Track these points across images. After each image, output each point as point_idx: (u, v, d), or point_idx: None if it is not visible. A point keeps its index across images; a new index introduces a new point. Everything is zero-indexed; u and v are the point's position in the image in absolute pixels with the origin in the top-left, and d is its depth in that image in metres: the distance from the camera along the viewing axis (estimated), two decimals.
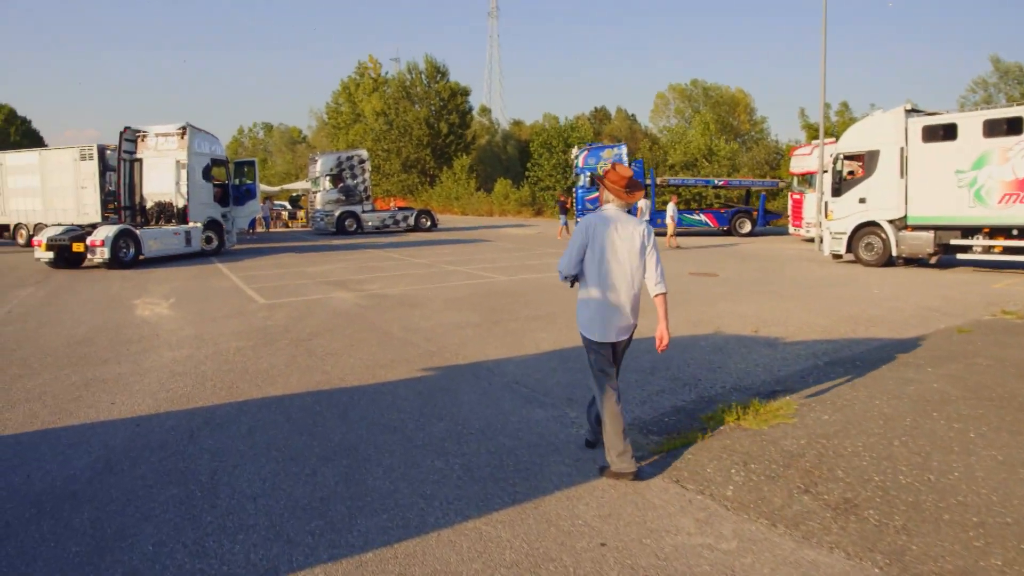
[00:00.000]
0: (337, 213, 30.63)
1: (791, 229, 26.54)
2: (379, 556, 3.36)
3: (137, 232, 17.91)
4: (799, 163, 26.03)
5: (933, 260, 15.82)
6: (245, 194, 23.27)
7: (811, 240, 22.88)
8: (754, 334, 8.57)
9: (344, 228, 30.51)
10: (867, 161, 16.30)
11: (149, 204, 20.51)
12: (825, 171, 18.32)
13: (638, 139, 60.31)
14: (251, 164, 23.95)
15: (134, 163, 20.46)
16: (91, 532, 3.60)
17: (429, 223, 33.13)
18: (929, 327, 8.98)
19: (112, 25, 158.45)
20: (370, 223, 31.40)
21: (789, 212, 27.03)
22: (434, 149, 59.28)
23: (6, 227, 25.86)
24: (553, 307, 10.45)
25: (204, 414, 5.55)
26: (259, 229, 32.68)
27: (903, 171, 15.54)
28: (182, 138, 20.08)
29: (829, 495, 3.97)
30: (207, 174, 21.15)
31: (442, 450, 4.73)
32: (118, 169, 20.36)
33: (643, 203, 21.56)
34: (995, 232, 14.46)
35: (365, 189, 32.12)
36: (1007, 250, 14.35)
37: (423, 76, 61.28)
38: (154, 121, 20.86)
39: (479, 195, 53.57)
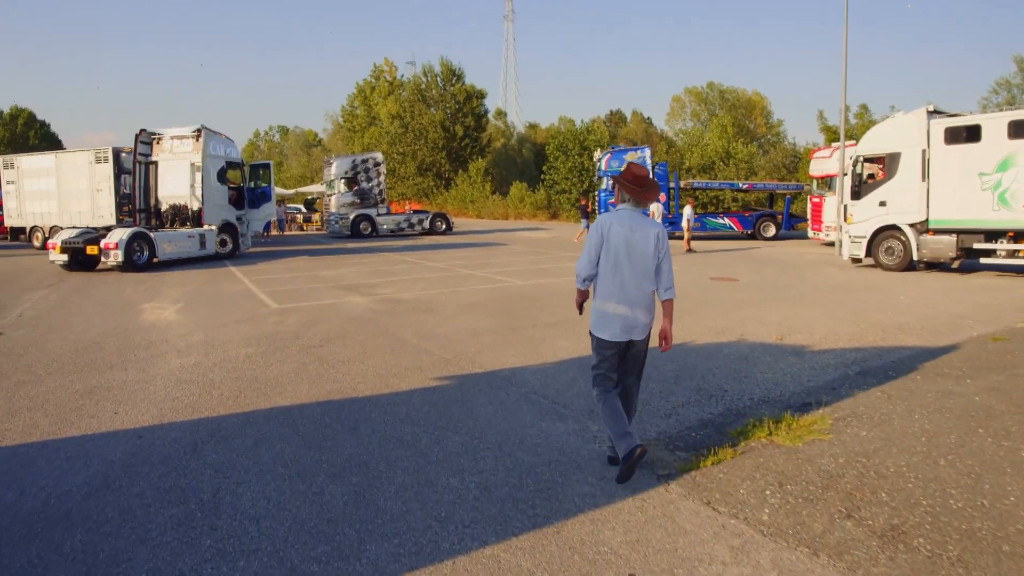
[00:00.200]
0: (352, 216, 30.50)
1: (810, 233, 26.08)
2: None
3: (151, 235, 17.80)
4: (819, 166, 25.57)
5: (955, 264, 15.42)
6: (260, 197, 23.15)
7: (831, 244, 22.43)
8: (779, 342, 8.26)
9: (359, 231, 30.38)
10: (888, 164, 15.93)
11: (164, 207, 20.44)
12: (845, 174, 17.93)
13: (654, 142, 59.77)
14: (266, 167, 23.82)
15: (149, 166, 20.41)
16: (82, 557, 3.37)
17: (444, 226, 32.94)
18: (961, 335, 8.63)
19: (130, 29, 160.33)
20: (385, 226, 31.26)
21: (808, 216, 26.59)
22: (449, 152, 59.08)
23: (23, 230, 25.97)
24: (571, 313, 10.11)
25: (209, 425, 5.33)
26: (273, 232, 32.63)
27: (925, 174, 15.15)
28: (197, 141, 19.99)
29: (874, 521, 3.67)
30: (222, 177, 21.02)
31: (458, 467, 4.47)
32: (133, 172, 20.32)
33: (654, 207, 21.21)
34: (1020, 236, 14.05)
35: (380, 192, 31.97)
36: None
37: (438, 79, 61.12)
38: (171, 124, 20.77)
39: (494, 198, 53.35)
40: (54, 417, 5.58)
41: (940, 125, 14.96)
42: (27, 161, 25.56)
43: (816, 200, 25.24)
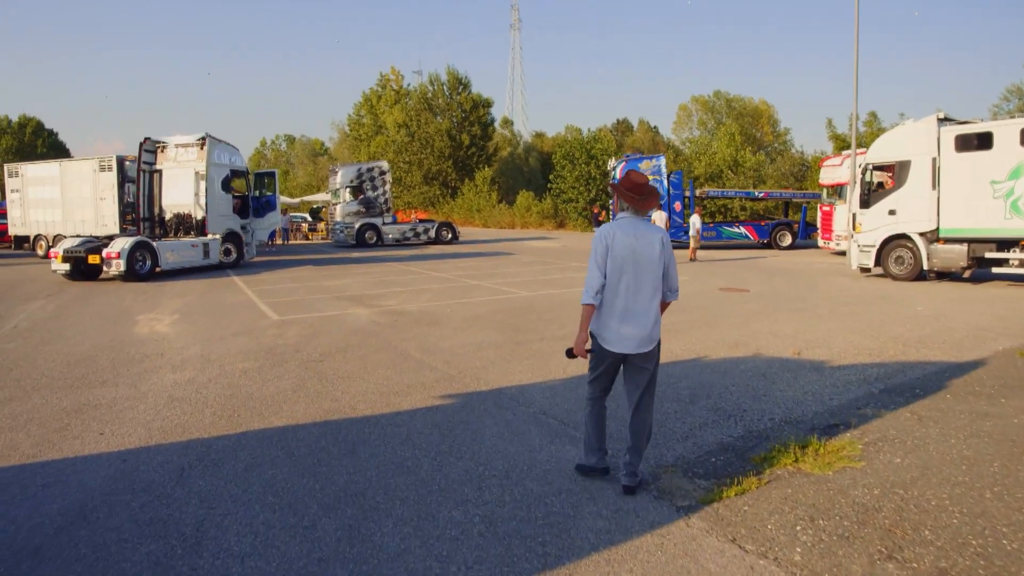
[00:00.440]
0: (357, 225, 30.26)
1: (820, 242, 25.72)
2: None
3: (154, 244, 17.57)
4: (828, 175, 25.26)
5: (966, 274, 15.07)
6: (265, 206, 22.92)
7: (842, 253, 22.07)
8: (797, 356, 7.93)
9: (364, 240, 30.13)
10: (897, 172, 15.59)
11: (168, 216, 20.24)
12: (855, 183, 17.59)
13: (661, 151, 59.56)
14: (271, 175, 23.58)
15: (153, 174, 20.22)
16: None
17: (450, 235, 32.65)
18: (986, 349, 8.29)
19: (138, 38, 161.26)
20: (390, 235, 31.01)
21: (819, 224, 26.22)
22: (456, 161, 58.86)
23: (27, 238, 25.83)
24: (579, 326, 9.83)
25: (199, 448, 5.02)
26: (278, 241, 32.40)
27: (935, 182, 14.82)
28: (201, 149, 19.78)
29: (919, 563, 3.33)
30: (226, 185, 20.79)
31: (461, 497, 4.15)
32: (137, 180, 20.10)
33: (656, 215, 20.86)
34: None
35: (386, 201, 31.74)
36: None
37: (445, 87, 60.95)
38: (179, 133, 20.57)
39: (501, 207, 53.06)
40: (36, 438, 5.28)
41: (950, 132, 14.67)
42: (31, 169, 25.45)
43: (826, 209, 24.90)
